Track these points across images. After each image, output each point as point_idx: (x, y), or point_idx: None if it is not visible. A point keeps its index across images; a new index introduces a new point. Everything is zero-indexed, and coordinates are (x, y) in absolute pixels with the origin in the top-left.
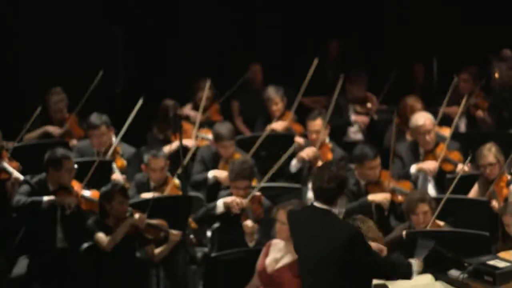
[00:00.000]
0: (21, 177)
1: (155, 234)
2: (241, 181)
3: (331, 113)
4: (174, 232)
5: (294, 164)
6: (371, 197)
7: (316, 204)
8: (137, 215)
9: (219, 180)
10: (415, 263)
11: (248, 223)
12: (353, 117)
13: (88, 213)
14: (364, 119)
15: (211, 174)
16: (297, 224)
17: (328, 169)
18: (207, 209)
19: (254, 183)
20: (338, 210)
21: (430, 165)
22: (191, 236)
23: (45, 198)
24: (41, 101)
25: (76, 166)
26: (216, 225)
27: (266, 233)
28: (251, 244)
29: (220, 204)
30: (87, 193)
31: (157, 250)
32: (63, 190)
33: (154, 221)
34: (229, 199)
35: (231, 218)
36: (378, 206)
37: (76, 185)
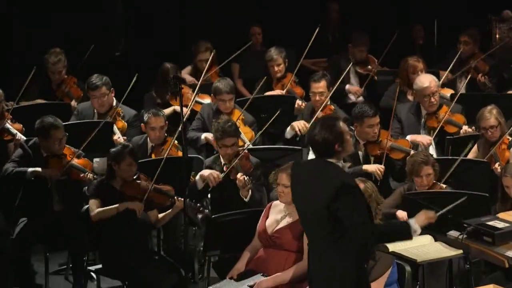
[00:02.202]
0: (24, 138)
1: (162, 200)
2: (228, 139)
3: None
4: (180, 199)
5: (288, 131)
6: (365, 166)
7: (316, 156)
8: (143, 182)
9: (210, 143)
10: (414, 223)
11: (239, 175)
12: (346, 87)
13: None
14: (357, 89)
15: (203, 136)
16: (297, 176)
17: (320, 121)
18: (190, 187)
19: (240, 143)
20: (342, 163)
21: (424, 139)
22: (198, 205)
23: (30, 169)
24: (39, 63)
25: (66, 134)
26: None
27: (258, 188)
28: (246, 199)
29: (198, 179)
30: (75, 162)
31: (160, 215)
32: (55, 157)
33: (162, 187)
34: (205, 172)
35: (223, 183)
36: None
37: (68, 152)
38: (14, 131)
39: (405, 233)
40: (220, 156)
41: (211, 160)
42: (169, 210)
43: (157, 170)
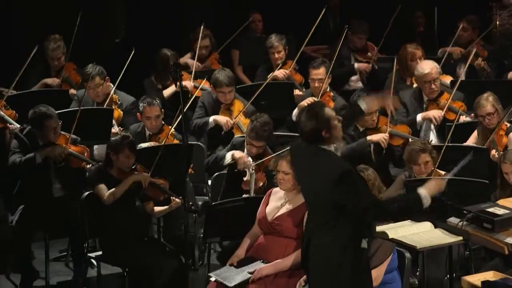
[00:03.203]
0: (17, 126)
1: (156, 194)
2: (257, 142)
3: (333, 62)
4: (176, 200)
5: (295, 113)
6: (370, 137)
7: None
8: (141, 172)
9: (220, 125)
10: (424, 193)
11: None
12: (356, 65)
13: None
14: (366, 66)
15: (212, 118)
16: (298, 160)
17: (305, 109)
18: (217, 158)
19: (239, 133)
20: (334, 146)
21: (436, 113)
22: (191, 204)
23: (38, 153)
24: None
25: (60, 122)
26: (218, 173)
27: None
28: (250, 192)
29: (228, 156)
30: (72, 150)
31: (157, 209)
32: (51, 145)
33: (157, 181)
34: (238, 154)
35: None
36: (376, 147)
37: (62, 140)
38: (7, 118)
39: (417, 205)
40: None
41: (240, 140)
42: (165, 207)
43: (155, 158)
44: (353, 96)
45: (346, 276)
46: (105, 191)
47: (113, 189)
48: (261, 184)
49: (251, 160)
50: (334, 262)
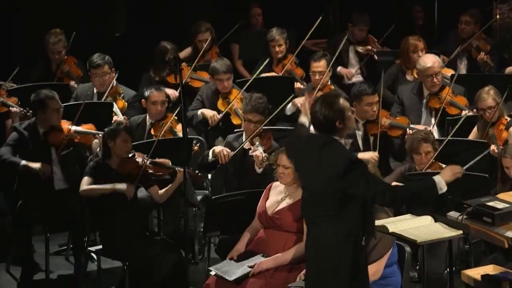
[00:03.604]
0: (20, 109)
1: (160, 172)
2: (254, 114)
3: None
4: (180, 169)
5: (289, 107)
6: (360, 155)
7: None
8: (139, 158)
9: (206, 118)
10: (440, 180)
11: (257, 152)
12: (338, 69)
13: (83, 147)
14: (347, 71)
15: (199, 112)
16: (300, 151)
17: (321, 98)
18: (202, 157)
19: (238, 121)
20: (344, 140)
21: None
22: (196, 171)
23: (23, 162)
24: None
25: (62, 106)
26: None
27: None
28: (259, 170)
29: (210, 153)
30: (78, 128)
31: (162, 190)
32: (53, 130)
33: (158, 160)
34: (217, 149)
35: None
36: (375, 141)
37: (65, 124)
38: (9, 103)
39: (432, 191)
40: (244, 133)
41: (233, 137)
42: (170, 185)
43: (157, 149)
44: (354, 89)
45: (345, 271)
46: (85, 184)
47: (91, 187)
48: (268, 147)
49: (230, 151)
50: (333, 255)
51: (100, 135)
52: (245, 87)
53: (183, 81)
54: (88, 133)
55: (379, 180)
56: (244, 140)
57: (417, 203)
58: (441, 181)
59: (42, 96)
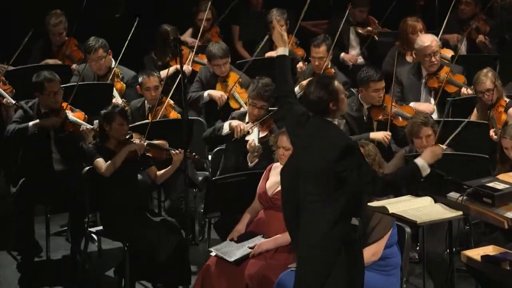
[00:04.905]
0: (12, 101)
1: (157, 154)
2: (259, 101)
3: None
4: (176, 151)
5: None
6: (373, 135)
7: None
8: (137, 140)
9: (213, 99)
10: (422, 162)
11: (251, 140)
12: (341, 55)
13: (78, 135)
14: (350, 57)
15: (206, 93)
16: (297, 134)
17: (316, 79)
18: (214, 129)
19: (236, 105)
20: (338, 120)
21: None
22: (194, 154)
23: (31, 123)
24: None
25: (63, 88)
26: (219, 148)
27: (267, 157)
28: (250, 165)
29: (226, 125)
30: (70, 115)
31: (160, 172)
32: (53, 112)
33: (156, 141)
34: (235, 122)
35: (237, 142)
36: (379, 126)
37: (65, 106)
38: (2, 92)
39: (416, 174)
40: (247, 115)
41: (239, 113)
42: (168, 167)
43: (156, 132)
44: (361, 74)
45: (335, 249)
46: (103, 164)
47: (110, 161)
48: (267, 135)
49: (248, 127)
50: (324, 235)
51: (87, 127)
52: (245, 68)
53: (185, 65)
54: (78, 124)
55: (370, 169)
56: (247, 120)
57: (403, 188)
58: (423, 164)
59: (41, 78)
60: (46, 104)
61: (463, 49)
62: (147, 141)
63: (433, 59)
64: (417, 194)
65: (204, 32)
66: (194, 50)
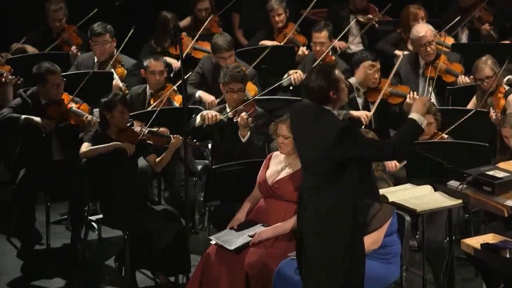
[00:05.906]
0: (12, 76)
1: (159, 142)
2: (234, 83)
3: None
4: (175, 136)
5: (286, 78)
6: (351, 112)
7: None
8: (137, 127)
9: (202, 101)
10: (417, 116)
11: (243, 114)
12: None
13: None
14: (341, 43)
15: (197, 94)
16: (296, 120)
17: (316, 68)
18: (189, 124)
19: (252, 93)
20: (338, 111)
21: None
22: (194, 140)
23: (23, 116)
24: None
25: (64, 79)
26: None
27: (258, 137)
28: (243, 139)
29: (198, 117)
30: (74, 107)
31: (158, 159)
32: (53, 103)
33: (157, 129)
34: (204, 112)
35: (229, 129)
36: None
37: (66, 98)
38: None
39: (417, 129)
40: (227, 104)
41: (217, 108)
42: (166, 151)
43: (157, 119)
44: (356, 56)
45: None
46: (84, 147)
47: (91, 148)
48: (252, 112)
49: (217, 113)
50: (332, 219)
51: (87, 117)
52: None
53: (185, 53)
54: (82, 114)
55: (370, 141)
56: (228, 110)
57: (409, 147)
58: (420, 117)
59: (43, 70)
60: (46, 96)
61: (464, 38)
62: (148, 129)
63: (428, 48)
64: (417, 183)
65: (204, 22)
66: (195, 39)
